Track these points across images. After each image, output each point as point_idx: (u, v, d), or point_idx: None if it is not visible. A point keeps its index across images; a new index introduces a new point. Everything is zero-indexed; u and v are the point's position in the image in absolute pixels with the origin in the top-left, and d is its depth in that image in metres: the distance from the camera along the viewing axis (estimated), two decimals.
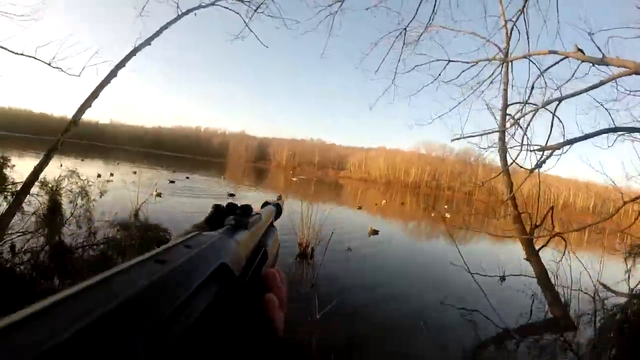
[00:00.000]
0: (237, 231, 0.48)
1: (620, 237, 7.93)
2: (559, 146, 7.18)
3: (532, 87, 8.44)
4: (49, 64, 8.05)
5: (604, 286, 8.51)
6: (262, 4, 9.19)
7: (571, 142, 7.07)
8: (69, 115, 7.88)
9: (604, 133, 6.61)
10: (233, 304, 0.37)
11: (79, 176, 8.96)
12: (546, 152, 7.44)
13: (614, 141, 7.00)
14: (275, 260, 0.65)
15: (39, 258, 7.09)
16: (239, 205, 0.56)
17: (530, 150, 7.97)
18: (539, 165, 7.73)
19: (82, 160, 41.77)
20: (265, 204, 0.87)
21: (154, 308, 0.23)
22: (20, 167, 8.63)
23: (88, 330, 0.18)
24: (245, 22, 9.40)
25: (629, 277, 8.28)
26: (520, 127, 8.33)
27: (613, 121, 7.10)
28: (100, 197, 9.78)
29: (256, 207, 0.68)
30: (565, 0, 8.21)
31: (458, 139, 8.78)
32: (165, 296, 0.25)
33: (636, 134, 7.04)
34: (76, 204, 8.64)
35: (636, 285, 7.92)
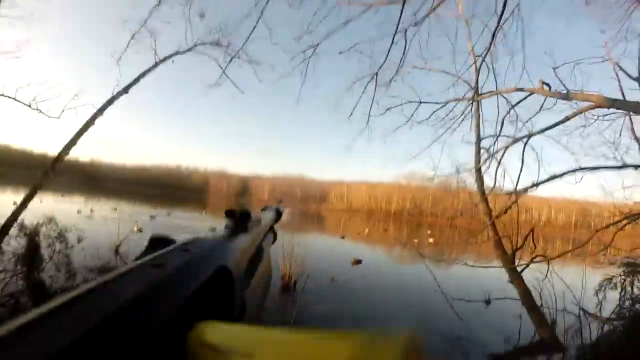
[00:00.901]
0: (236, 235, 0.49)
1: (602, 253, 8.08)
2: (526, 189, 7.46)
3: (503, 122, 8.72)
4: (29, 106, 8.09)
5: (584, 311, 8.59)
6: (238, 51, 9.35)
7: (538, 184, 7.35)
8: (49, 152, 7.93)
9: (571, 173, 6.90)
10: (232, 308, 0.38)
11: (56, 223, 8.88)
12: (524, 189, 7.71)
13: (581, 178, 7.24)
14: (270, 264, 0.67)
15: (19, 299, 6.97)
16: (238, 210, 0.56)
17: (501, 195, 8.26)
18: (509, 207, 8.03)
19: (62, 196, 40.84)
20: (265, 208, 0.91)
21: (152, 311, 0.24)
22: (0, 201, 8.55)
23: (88, 334, 0.18)
24: (222, 68, 9.53)
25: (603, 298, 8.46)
26: (495, 159, 8.57)
27: (577, 162, 7.33)
28: (78, 242, 9.66)
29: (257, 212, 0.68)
30: (535, 32, 8.54)
31: (432, 178, 9.00)
32: (163, 299, 0.26)
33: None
34: (54, 249, 8.55)
35: (615, 308, 8.07)
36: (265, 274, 0.59)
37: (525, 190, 7.50)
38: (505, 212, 8.28)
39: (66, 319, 0.18)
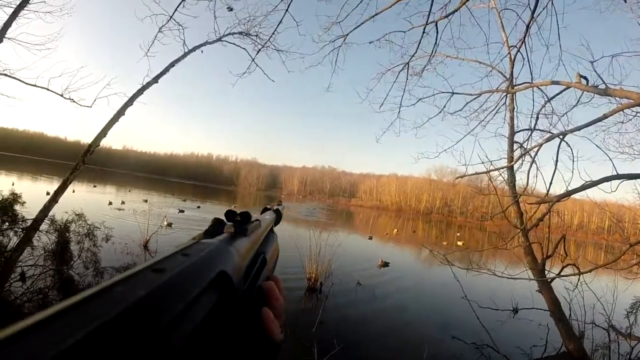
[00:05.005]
0: (236, 238, 0.48)
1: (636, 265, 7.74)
2: (559, 198, 7.08)
3: (537, 116, 8.40)
4: (62, 95, 8.28)
5: (614, 329, 8.26)
6: (268, 40, 9.35)
7: (572, 192, 6.97)
8: (82, 140, 8.08)
9: (606, 181, 6.51)
10: (232, 314, 0.37)
11: (85, 220, 9.10)
12: (554, 199, 7.34)
13: (617, 187, 6.88)
14: (274, 265, 0.66)
15: (48, 292, 7.18)
16: (237, 212, 0.55)
17: (529, 203, 7.92)
18: (541, 218, 7.72)
19: (95, 186, 42.26)
20: (265, 209, 0.87)
21: (152, 317, 0.23)
22: (33, 191, 8.82)
23: (86, 340, 0.18)
24: (251, 57, 9.52)
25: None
26: (529, 155, 8.23)
27: (615, 168, 6.95)
28: (107, 240, 9.88)
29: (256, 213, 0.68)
30: (571, 25, 8.17)
31: (462, 177, 8.70)
32: (163, 305, 0.25)
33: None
34: (83, 246, 8.76)
35: None
36: (265, 276, 0.57)
37: (558, 199, 7.13)
38: (537, 224, 7.96)
39: (64, 325, 0.19)
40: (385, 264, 16.79)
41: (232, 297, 0.37)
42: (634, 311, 8.47)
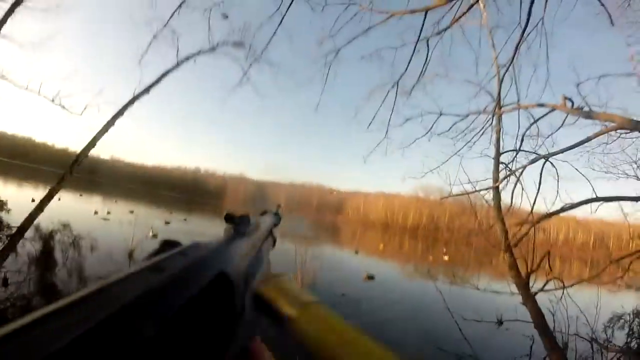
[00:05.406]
0: (235, 240, 0.49)
1: (618, 281, 7.89)
2: (540, 220, 7.22)
3: (523, 138, 8.53)
4: (52, 101, 8.20)
5: (596, 341, 8.38)
6: (261, 54, 9.34)
7: (551, 215, 7.09)
8: (70, 148, 8.04)
9: (585, 204, 6.67)
10: (232, 314, 0.37)
11: (71, 230, 9.04)
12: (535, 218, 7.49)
13: (597, 209, 7.03)
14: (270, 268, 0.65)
15: (32, 299, 7.10)
16: (237, 214, 0.56)
17: (511, 224, 8.07)
18: (524, 235, 7.84)
19: (81, 195, 41.73)
20: (264, 212, 0.90)
21: (149, 316, 0.24)
22: (17, 198, 8.74)
23: (83, 338, 0.18)
24: (243, 70, 9.49)
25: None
26: (514, 176, 8.37)
27: (594, 191, 7.10)
28: (92, 251, 9.80)
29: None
30: (559, 45, 8.34)
31: (447, 197, 8.82)
32: (161, 305, 0.26)
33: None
34: (67, 255, 8.69)
35: (627, 339, 7.89)
36: (265, 276, 0.56)
37: (538, 220, 7.23)
38: (517, 244, 8.09)
39: (62, 324, 0.19)
40: (371, 277, 16.76)
41: (232, 297, 0.37)
42: (611, 325, 8.62)
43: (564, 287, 7.45)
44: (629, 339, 8.19)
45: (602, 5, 6.73)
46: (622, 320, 8.62)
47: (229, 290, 0.36)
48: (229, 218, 0.54)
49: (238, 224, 0.54)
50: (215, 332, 0.33)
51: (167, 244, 0.40)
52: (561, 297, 8.19)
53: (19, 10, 7.79)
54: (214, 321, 0.33)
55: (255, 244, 0.58)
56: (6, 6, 7.66)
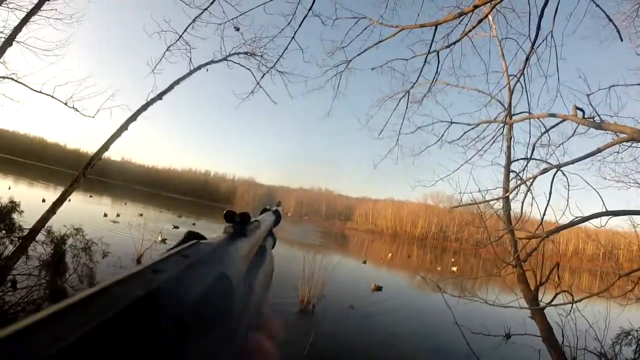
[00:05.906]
0: (236, 239, 0.48)
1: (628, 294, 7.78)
2: (548, 234, 7.12)
3: (534, 147, 8.45)
4: (66, 104, 8.33)
5: (605, 357, 8.26)
6: (274, 65, 9.40)
7: (560, 229, 7.02)
8: (82, 149, 8.12)
9: (595, 217, 6.59)
10: (231, 315, 0.37)
11: (83, 235, 9.09)
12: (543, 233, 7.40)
13: (606, 222, 6.94)
14: (272, 267, 0.66)
15: (42, 304, 7.12)
16: (237, 213, 0.55)
17: (519, 238, 7.99)
18: (534, 249, 7.77)
19: (91, 196, 41.98)
20: (264, 210, 0.88)
21: (149, 318, 0.24)
22: (29, 197, 8.80)
23: (84, 340, 0.18)
24: (256, 79, 9.50)
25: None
26: (525, 186, 8.28)
27: (604, 204, 7.00)
28: (104, 257, 9.83)
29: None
30: (569, 56, 8.28)
31: (457, 206, 8.76)
32: (161, 306, 0.26)
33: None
34: (79, 260, 8.73)
35: (635, 356, 7.78)
36: (265, 279, 0.58)
37: (547, 235, 7.14)
38: (526, 259, 8.01)
39: (62, 325, 0.19)
40: (379, 288, 16.70)
41: (232, 298, 0.37)
42: (619, 342, 8.51)
43: (573, 302, 7.35)
44: (636, 355, 8.03)
45: (610, 20, 6.72)
46: (630, 337, 8.48)
47: (229, 290, 0.36)
48: (229, 217, 0.54)
49: (239, 222, 0.54)
50: (215, 332, 0.33)
51: (192, 235, 0.44)
52: (570, 311, 8.08)
53: (34, 18, 7.93)
54: (214, 321, 0.33)
55: (256, 243, 0.58)
56: (22, 14, 7.81)
